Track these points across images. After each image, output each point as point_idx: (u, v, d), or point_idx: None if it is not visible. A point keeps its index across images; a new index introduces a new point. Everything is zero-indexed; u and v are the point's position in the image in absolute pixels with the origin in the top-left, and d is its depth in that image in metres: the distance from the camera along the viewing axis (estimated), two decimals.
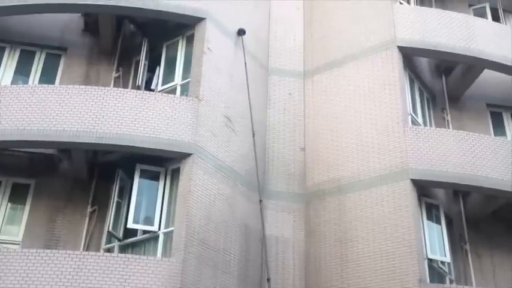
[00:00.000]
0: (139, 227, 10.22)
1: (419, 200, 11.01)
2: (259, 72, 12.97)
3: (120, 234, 10.32)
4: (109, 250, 10.45)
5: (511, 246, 11.93)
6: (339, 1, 13.72)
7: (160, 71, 11.90)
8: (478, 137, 11.63)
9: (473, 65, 12.94)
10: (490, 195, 11.47)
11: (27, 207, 10.89)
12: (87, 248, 10.52)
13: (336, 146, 11.95)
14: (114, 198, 10.49)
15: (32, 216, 10.79)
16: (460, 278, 11.42)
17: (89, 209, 10.91)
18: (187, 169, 10.17)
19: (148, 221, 10.25)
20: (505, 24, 14.61)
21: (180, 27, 11.96)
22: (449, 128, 12.79)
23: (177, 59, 11.78)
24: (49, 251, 9.29)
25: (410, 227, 10.30)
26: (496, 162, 11.33)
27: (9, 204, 10.99)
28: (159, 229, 10.13)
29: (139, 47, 12.04)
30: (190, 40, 11.78)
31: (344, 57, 12.81)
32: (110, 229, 10.20)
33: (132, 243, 10.31)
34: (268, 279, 10.60)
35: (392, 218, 10.53)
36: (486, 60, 12.64)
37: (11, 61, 12.25)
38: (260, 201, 11.18)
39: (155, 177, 10.60)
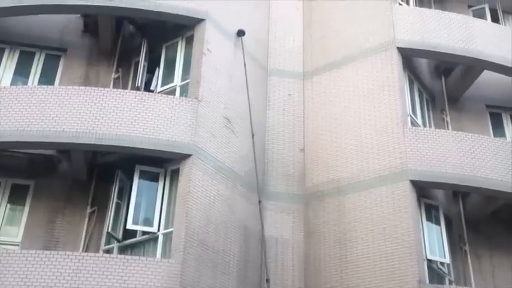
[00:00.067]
0: (139, 228, 10.22)
1: (419, 201, 11.02)
2: (259, 73, 12.97)
3: (120, 235, 10.32)
4: (108, 251, 10.45)
5: (511, 247, 11.93)
6: (338, 2, 13.73)
7: (159, 72, 11.90)
8: (478, 138, 11.64)
9: (473, 66, 12.95)
10: (490, 196, 11.48)
11: (27, 208, 10.89)
12: (87, 249, 10.51)
13: (335, 147, 11.95)
14: (113, 199, 10.49)
15: (31, 217, 10.78)
16: (460, 279, 11.43)
17: (88, 210, 10.91)
18: (186, 170, 10.17)
19: (148, 222, 10.24)
20: (504, 25, 14.62)
21: (180, 28, 11.96)
22: (448, 129, 12.79)
23: (176, 60, 11.78)
24: (48, 252, 9.30)
25: (409, 228, 10.30)
26: (495, 163, 11.34)
27: (8, 205, 10.98)
28: (159, 230, 10.13)
29: (139, 48, 12.05)
30: (189, 41, 11.78)
31: (343, 58, 12.82)
32: (109, 230, 10.20)
33: (132, 244, 10.30)
34: (268, 280, 10.59)
35: (391, 219, 10.54)
36: (485, 61, 12.65)
37: (10, 62, 12.25)
38: (259, 202, 11.19)
39: (154, 178, 10.60)
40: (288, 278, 11.17)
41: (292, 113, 12.92)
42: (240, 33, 12.44)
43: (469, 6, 14.85)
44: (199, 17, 11.66)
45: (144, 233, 10.22)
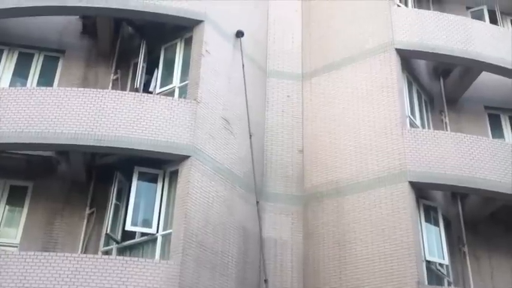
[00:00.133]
0: (138, 229, 10.21)
1: (418, 202, 11.02)
2: (258, 74, 12.98)
3: (118, 237, 10.31)
4: (107, 252, 10.43)
5: (509, 248, 11.94)
6: (337, 4, 13.74)
7: (158, 73, 11.90)
8: (476, 139, 11.64)
9: (471, 68, 12.96)
10: (488, 197, 11.48)
11: (25, 210, 10.88)
12: (85, 250, 10.51)
13: (334, 148, 11.96)
14: (112, 200, 10.49)
15: (30, 218, 10.77)
16: (458, 280, 11.43)
17: (87, 212, 10.90)
18: (185, 171, 10.17)
19: (147, 223, 10.24)
20: (503, 26, 14.64)
21: (178, 30, 11.97)
22: (447, 130, 12.80)
23: (175, 62, 11.78)
24: (47, 253, 9.30)
25: (408, 229, 10.30)
26: (494, 164, 11.35)
27: (7, 206, 10.97)
28: (157, 231, 10.12)
29: (138, 49, 12.05)
30: (188, 42, 11.79)
31: (342, 60, 12.83)
32: (108, 231, 10.20)
33: (130, 245, 10.29)
34: (266, 281, 10.61)
35: (390, 220, 10.54)
36: (484, 62, 12.66)
37: (9, 63, 12.25)
38: (257, 202, 11.19)
39: (153, 179, 10.60)
40: (287, 280, 11.16)
41: (291, 115, 12.93)
42: (239, 34, 12.45)
43: (468, 8, 14.87)
44: (198, 18, 11.67)
45: (142, 234, 10.21)
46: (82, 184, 11.04)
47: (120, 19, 12.40)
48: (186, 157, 10.28)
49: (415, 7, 13.87)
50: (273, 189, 12.01)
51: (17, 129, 10.16)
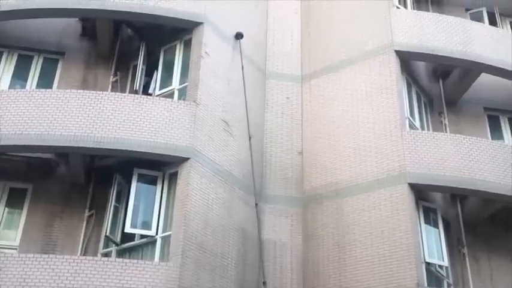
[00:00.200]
0: (137, 231, 10.21)
1: (417, 203, 11.02)
2: (257, 76, 12.98)
3: (118, 239, 10.30)
4: (106, 254, 10.43)
5: (509, 250, 11.95)
6: (337, 6, 13.75)
7: (158, 75, 11.91)
8: (476, 141, 11.65)
9: (470, 69, 12.97)
10: (488, 198, 11.48)
11: (25, 212, 10.87)
12: (85, 252, 10.50)
13: (334, 150, 11.96)
14: (111, 202, 10.48)
15: (29, 220, 10.77)
16: (458, 282, 11.42)
17: (87, 214, 10.90)
18: (184, 173, 10.17)
19: (146, 225, 10.24)
20: (502, 28, 14.65)
21: (178, 32, 11.98)
22: (446, 132, 12.80)
23: (174, 64, 11.79)
24: (46, 255, 9.28)
25: (408, 230, 10.30)
26: (493, 166, 11.35)
27: (6, 208, 10.97)
28: (157, 233, 10.12)
29: (137, 51, 12.05)
30: (187, 44, 11.80)
31: (341, 62, 12.83)
32: (108, 233, 10.19)
33: (130, 247, 10.29)
34: (264, 283, 10.61)
35: (390, 222, 10.54)
36: (483, 64, 12.67)
37: (8, 65, 12.25)
38: (256, 204, 11.20)
39: (153, 181, 10.60)
40: (286, 281, 11.16)
41: (291, 116, 12.93)
42: (238, 36, 12.46)
43: (467, 10, 14.87)
44: (197, 20, 11.68)
45: (142, 236, 10.21)
46: (81, 186, 11.04)
47: (119, 21, 12.41)
48: (186, 159, 10.28)
49: (414, 9, 13.86)
50: (273, 191, 12.01)
51: (16, 131, 10.16)
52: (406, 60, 12.56)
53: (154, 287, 9.08)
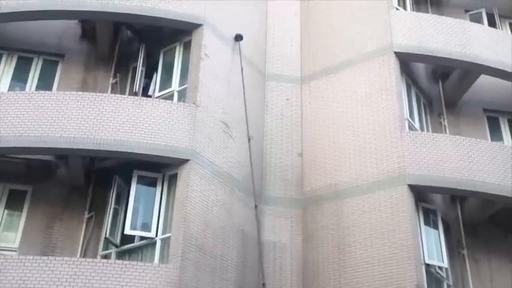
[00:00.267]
0: (137, 233, 10.20)
1: (417, 205, 11.02)
2: (257, 77, 12.99)
3: (118, 241, 10.29)
4: (106, 256, 10.43)
5: (509, 251, 11.94)
6: (336, 7, 13.76)
7: (157, 77, 11.91)
8: (475, 142, 11.65)
9: (470, 71, 12.97)
10: (487, 200, 11.49)
11: (24, 214, 10.87)
12: (84, 254, 10.49)
13: (333, 152, 11.96)
14: (111, 204, 10.48)
15: (29, 222, 10.76)
16: (458, 284, 11.42)
17: (86, 216, 10.89)
18: (184, 175, 10.17)
19: (146, 227, 10.23)
20: (501, 29, 14.64)
21: (177, 34, 11.98)
22: (446, 133, 12.80)
23: (174, 65, 11.79)
24: (46, 257, 9.29)
25: (407, 232, 10.30)
26: (493, 167, 11.35)
27: (6, 210, 10.96)
28: (157, 235, 10.11)
29: (137, 53, 12.06)
30: (187, 46, 11.80)
31: (341, 63, 12.84)
32: (107, 235, 10.18)
33: (130, 249, 10.28)
34: (264, 285, 10.61)
35: (389, 223, 10.54)
36: (482, 65, 12.67)
37: (8, 68, 12.26)
38: (255, 206, 11.19)
39: (152, 183, 10.59)
40: (286, 283, 11.15)
41: (290, 118, 12.93)
42: (238, 38, 12.46)
43: (466, 11, 14.87)
44: (197, 22, 11.69)
45: (142, 238, 10.20)
46: (81, 188, 11.04)
47: (119, 23, 12.41)
48: (185, 161, 10.28)
49: (413, 10, 13.88)
50: (273, 193, 12.01)
51: (16, 133, 10.16)
52: (406, 61, 12.56)
53: None
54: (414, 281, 9.83)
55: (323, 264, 11.07)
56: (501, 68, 12.74)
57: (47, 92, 10.98)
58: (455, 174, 11.06)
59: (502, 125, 13.67)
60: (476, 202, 11.78)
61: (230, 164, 11.16)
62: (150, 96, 11.54)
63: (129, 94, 11.86)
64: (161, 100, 11.01)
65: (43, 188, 11.04)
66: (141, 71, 11.82)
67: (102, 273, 9.05)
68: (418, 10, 14.26)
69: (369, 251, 10.54)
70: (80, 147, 10.12)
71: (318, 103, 12.84)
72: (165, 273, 9.23)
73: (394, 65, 12.04)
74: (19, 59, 12.36)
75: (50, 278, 8.93)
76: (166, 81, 11.78)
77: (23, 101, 10.50)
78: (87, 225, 10.81)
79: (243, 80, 12.12)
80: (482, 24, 14.03)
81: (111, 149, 10.19)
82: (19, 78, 12.19)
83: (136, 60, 12.02)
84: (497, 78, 13.09)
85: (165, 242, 9.98)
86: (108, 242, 10.42)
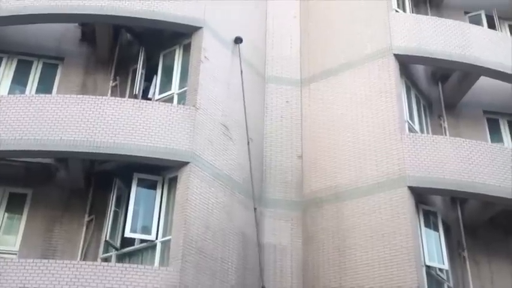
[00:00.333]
0: (137, 236, 10.20)
1: (417, 207, 11.02)
2: (256, 80, 13.00)
3: (118, 244, 10.29)
4: (106, 259, 10.42)
5: (509, 253, 11.93)
6: (336, 10, 13.78)
7: (157, 80, 11.92)
8: (475, 144, 11.65)
9: (470, 72, 12.98)
10: (488, 201, 11.48)
11: (24, 217, 10.86)
12: (85, 257, 10.49)
13: (333, 154, 11.96)
14: (111, 207, 10.47)
15: (29, 226, 10.76)
16: (458, 285, 11.41)
17: (86, 219, 10.89)
18: (184, 178, 10.17)
19: (146, 230, 10.23)
20: (501, 31, 14.66)
21: (177, 36, 11.99)
22: (446, 135, 12.80)
23: (174, 68, 11.80)
24: (46, 260, 9.29)
25: (408, 234, 10.30)
26: (493, 169, 11.35)
27: (6, 214, 10.96)
28: (157, 238, 10.11)
29: (136, 56, 12.07)
30: (187, 49, 11.81)
31: (340, 65, 12.85)
32: (107, 238, 10.18)
33: (130, 252, 10.28)
34: (264, 287, 10.58)
35: (390, 225, 10.53)
36: (482, 67, 12.68)
37: (8, 71, 12.26)
38: (255, 209, 11.18)
39: (152, 186, 10.59)
40: (286, 285, 11.14)
41: (290, 120, 12.94)
42: (238, 40, 12.47)
43: (466, 13, 14.88)
44: (197, 24, 11.70)
45: (142, 241, 10.20)
46: (81, 191, 11.04)
47: (118, 26, 12.43)
48: (185, 163, 10.28)
49: (413, 12, 13.90)
50: (273, 195, 12.01)
51: (16, 137, 10.16)
52: (405, 63, 12.57)
53: None
54: (415, 283, 9.83)
55: (323, 266, 11.06)
56: (501, 70, 12.75)
57: (47, 95, 11.00)
58: (455, 176, 11.06)
59: (502, 127, 13.67)
60: (477, 204, 11.78)
61: (230, 166, 11.16)
62: (150, 99, 11.55)
63: (129, 97, 11.86)
64: (161, 103, 11.02)
65: (43, 191, 11.04)
66: (141, 73, 11.82)
67: (102, 277, 9.05)
68: (418, 12, 14.29)
69: (369, 253, 10.53)
70: (80, 150, 10.13)
71: (317, 105, 12.85)
72: (166, 276, 9.23)
73: (393, 67, 12.05)
74: (19, 62, 12.38)
75: (50, 281, 8.93)
76: (166, 84, 11.79)
77: (23, 104, 10.51)
78: (87, 228, 10.81)
79: (242, 83, 12.13)
80: (482, 26, 14.03)
81: (111, 152, 10.19)
82: (19, 81, 12.20)
83: (136, 63, 12.03)
84: (497, 80, 13.10)
85: (165, 244, 9.97)
86: (108, 245, 10.42)
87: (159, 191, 10.53)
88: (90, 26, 12.42)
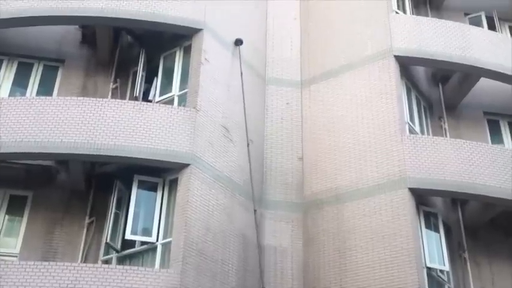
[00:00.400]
0: (138, 238, 10.20)
1: (418, 208, 11.01)
2: (257, 82, 13.00)
3: (118, 246, 10.29)
4: (107, 262, 10.42)
5: (510, 254, 11.92)
6: (336, 11, 13.79)
7: (157, 81, 11.93)
8: (476, 145, 11.65)
9: (470, 74, 12.98)
10: (488, 203, 11.48)
11: (25, 219, 10.87)
12: (85, 259, 10.49)
13: (334, 155, 11.96)
14: (112, 209, 10.48)
15: (30, 228, 10.76)
16: (459, 287, 11.40)
17: (87, 221, 10.89)
18: (185, 179, 10.17)
19: (147, 232, 10.23)
20: (501, 32, 14.66)
21: (178, 38, 12.00)
22: (446, 137, 12.80)
23: (174, 70, 11.81)
24: (47, 263, 9.28)
25: (408, 235, 10.29)
26: (493, 170, 11.34)
27: (6, 216, 10.96)
28: (157, 240, 10.11)
29: (137, 58, 12.08)
30: (187, 51, 11.82)
31: (341, 67, 12.86)
32: (108, 240, 10.18)
33: (130, 254, 10.28)
34: None
35: (390, 226, 10.53)
36: (482, 68, 12.68)
37: (8, 73, 12.28)
38: (255, 210, 11.18)
39: (153, 188, 10.60)
40: (287, 287, 11.13)
41: (290, 122, 12.94)
42: (238, 42, 12.48)
43: (466, 14, 14.89)
44: (197, 26, 11.71)
45: (142, 243, 10.20)
46: (82, 193, 11.04)
47: (119, 28, 12.44)
48: (186, 165, 10.29)
49: (413, 14, 13.91)
50: (273, 197, 12.01)
51: (16, 139, 10.16)
52: (406, 65, 12.58)
53: None
54: (415, 285, 9.82)
55: (324, 268, 11.05)
56: (501, 71, 12.75)
57: (48, 97, 11.01)
58: (455, 178, 11.06)
59: (502, 128, 13.67)
60: (477, 205, 11.78)
61: (231, 168, 11.16)
62: (150, 101, 11.56)
63: (130, 99, 11.88)
64: (161, 105, 11.03)
65: (44, 193, 11.05)
66: (142, 75, 11.83)
67: (103, 279, 9.04)
68: (418, 13, 14.29)
69: (370, 254, 10.53)
70: (81, 152, 10.13)
71: (318, 107, 12.85)
72: (166, 278, 9.23)
73: (394, 69, 12.06)
74: (19, 64, 12.39)
75: (50, 283, 8.92)
76: (166, 86, 11.79)
77: (23, 106, 10.51)
78: (87, 230, 10.81)
79: (242, 85, 12.13)
80: (482, 27, 14.03)
81: (111, 154, 10.19)
82: (19, 83, 12.21)
83: (136, 65, 12.04)
84: (497, 81, 13.10)
85: (166, 246, 9.97)
86: (108, 247, 10.42)
87: (159, 193, 10.53)
88: (91, 28, 12.43)
